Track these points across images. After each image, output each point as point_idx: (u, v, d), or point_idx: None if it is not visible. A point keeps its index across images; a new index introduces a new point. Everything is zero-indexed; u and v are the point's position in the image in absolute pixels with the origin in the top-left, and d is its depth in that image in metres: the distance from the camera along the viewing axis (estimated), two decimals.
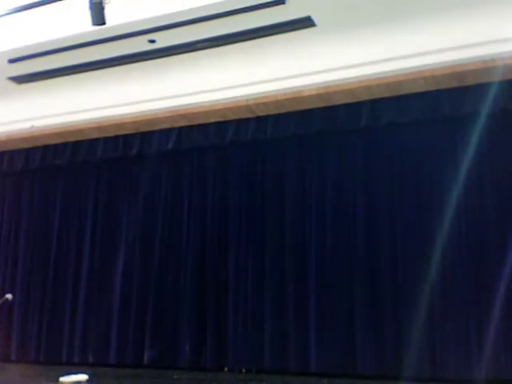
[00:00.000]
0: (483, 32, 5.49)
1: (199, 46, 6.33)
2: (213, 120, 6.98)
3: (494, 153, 5.89)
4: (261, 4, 5.56)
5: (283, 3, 5.52)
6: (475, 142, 5.81)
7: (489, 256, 5.74)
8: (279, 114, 6.68)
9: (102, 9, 5.44)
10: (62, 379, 5.85)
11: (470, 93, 5.84)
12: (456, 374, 5.54)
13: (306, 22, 5.84)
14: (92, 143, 7.75)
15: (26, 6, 6.00)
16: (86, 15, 5.49)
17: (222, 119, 6.95)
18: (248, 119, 6.86)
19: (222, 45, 6.29)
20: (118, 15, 5.62)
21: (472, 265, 5.80)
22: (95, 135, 7.64)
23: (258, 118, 6.80)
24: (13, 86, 7.39)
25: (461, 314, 5.71)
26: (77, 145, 7.85)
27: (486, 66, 5.60)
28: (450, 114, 5.96)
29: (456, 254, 5.86)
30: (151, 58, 6.63)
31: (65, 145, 7.92)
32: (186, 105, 6.87)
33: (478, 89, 5.75)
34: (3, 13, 6.11)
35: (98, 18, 5.47)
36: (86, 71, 6.92)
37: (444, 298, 5.81)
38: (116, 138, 7.59)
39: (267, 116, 6.74)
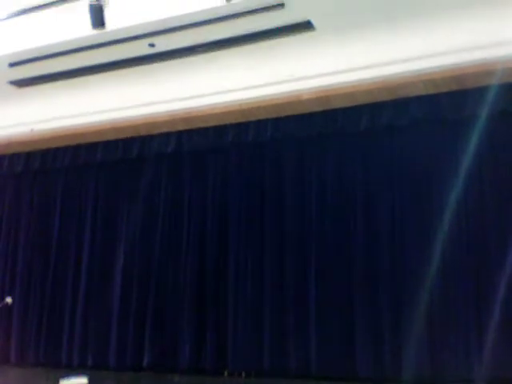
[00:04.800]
0: (483, 35, 5.50)
1: (199, 49, 6.35)
2: (212, 123, 6.99)
3: (495, 155, 5.89)
4: (260, 8, 5.58)
5: (282, 7, 5.54)
6: (475, 145, 5.81)
7: (489, 257, 5.73)
8: (278, 118, 6.68)
9: (102, 11, 5.47)
10: (61, 382, 5.85)
11: (469, 96, 5.84)
12: (456, 376, 5.54)
13: (305, 26, 5.85)
14: (92, 147, 7.76)
15: (26, 9, 6.03)
16: (86, 19, 5.52)
17: (221, 122, 6.95)
18: (248, 122, 6.85)
19: (221, 49, 6.30)
20: (117, 19, 5.66)
21: (472, 265, 5.79)
22: (95, 139, 7.64)
23: (258, 122, 6.80)
24: (13, 89, 7.40)
25: (461, 314, 5.71)
26: (77, 148, 7.86)
27: (485, 69, 5.61)
28: (449, 116, 5.97)
29: (456, 254, 5.86)
30: (151, 62, 6.64)
31: (65, 148, 7.93)
32: (186, 108, 6.87)
33: (478, 92, 5.74)
34: (3, 17, 6.13)
35: (98, 20, 5.50)
36: (86, 75, 6.94)
37: (444, 298, 5.81)
38: (116, 141, 7.60)
39: (267, 119, 6.74)
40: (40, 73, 6.97)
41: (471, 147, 5.83)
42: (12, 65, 6.78)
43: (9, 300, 6.17)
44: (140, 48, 6.34)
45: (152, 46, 6.30)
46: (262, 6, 5.56)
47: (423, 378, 5.61)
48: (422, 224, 6.07)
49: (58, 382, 5.85)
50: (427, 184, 6.16)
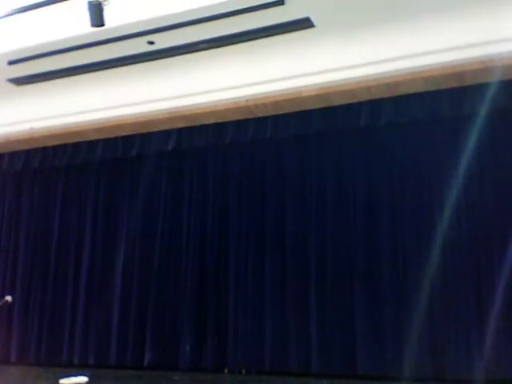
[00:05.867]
0: (482, 32, 5.49)
1: (198, 47, 6.33)
2: (212, 121, 6.98)
3: (494, 152, 5.89)
4: (260, 5, 5.56)
5: (282, 4, 5.52)
6: (475, 142, 5.81)
7: (490, 255, 5.74)
8: (278, 115, 6.67)
9: (101, 10, 5.44)
10: (61, 381, 5.83)
11: (469, 93, 5.84)
12: (457, 375, 5.54)
13: (305, 23, 5.84)
14: (91, 144, 7.75)
15: (25, 7, 6.00)
16: (86, 17, 5.49)
17: (221, 120, 6.94)
18: (247, 120, 6.85)
19: (221, 46, 6.29)
20: (117, 17, 5.63)
21: (473, 264, 5.80)
22: (95, 136, 7.64)
23: (258, 119, 6.80)
24: (12, 87, 7.39)
25: (462, 313, 5.72)
26: (76, 146, 7.86)
27: (485, 66, 5.60)
28: (449, 114, 5.96)
29: (457, 253, 5.87)
30: (150, 60, 6.63)
31: (64, 146, 7.93)
32: (186, 106, 6.86)
33: (478, 89, 5.74)
34: (3, 14, 6.11)
35: (97, 19, 5.47)
36: (85, 73, 6.92)
37: (445, 297, 5.82)
38: (115, 139, 7.59)
39: (267, 117, 6.73)
40: (39, 71, 6.96)
41: (471, 144, 5.82)
42: (11, 63, 6.76)
43: (8, 298, 6.13)
44: (139, 45, 6.33)
45: (151, 43, 6.29)
46: (262, 3, 5.54)
47: (424, 376, 5.61)
48: (423, 222, 6.07)
49: (58, 380, 5.83)
50: (428, 181, 6.15)
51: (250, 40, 6.15)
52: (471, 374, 5.46)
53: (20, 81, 7.25)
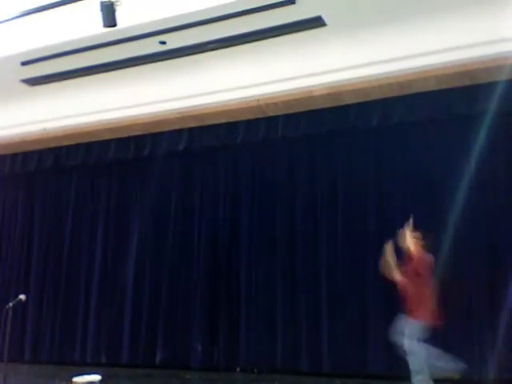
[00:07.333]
0: (494, 30, 5.47)
1: (210, 46, 6.35)
2: (223, 120, 7.00)
3: (507, 150, 5.85)
4: (271, 4, 5.56)
5: (293, 3, 5.51)
6: (487, 140, 5.78)
7: (501, 256, 5.70)
8: (289, 114, 6.68)
9: (113, 11, 5.47)
10: (75, 379, 5.87)
11: (481, 91, 5.80)
12: (468, 374, 5.48)
13: (316, 22, 5.83)
14: (104, 144, 7.81)
15: (37, 8, 6.04)
16: (98, 17, 5.52)
17: (232, 120, 6.96)
18: (258, 119, 6.86)
19: (232, 45, 6.31)
20: (128, 17, 5.65)
21: (485, 264, 5.78)
22: (107, 136, 7.70)
23: (269, 118, 6.81)
24: (26, 88, 7.45)
25: (474, 313, 5.69)
26: (89, 146, 7.92)
27: (496, 65, 5.58)
28: (461, 112, 5.93)
29: (469, 254, 5.84)
30: (161, 60, 6.65)
31: (77, 146, 7.99)
32: (197, 106, 6.90)
33: (490, 87, 5.70)
34: (16, 15, 6.16)
35: (109, 19, 5.50)
36: (97, 73, 6.97)
37: (457, 297, 5.77)
38: (127, 139, 7.64)
39: (278, 116, 6.75)
40: (51, 71, 7.02)
41: (483, 142, 5.78)
42: (24, 63, 6.82)
43: (22, 297, 6.18)
44: (150, 46, 6.36)
45: (163, 43, 6.31)
46: (273, 3, 5.54)
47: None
48: (435, 221, 6.01)
49: (72, 379, 5.87)
50: (440, 180, 6.11)
51: (261, 39, 6.16)
52: (483, 374, 5.43)
53: (33, 81, 7.31)
